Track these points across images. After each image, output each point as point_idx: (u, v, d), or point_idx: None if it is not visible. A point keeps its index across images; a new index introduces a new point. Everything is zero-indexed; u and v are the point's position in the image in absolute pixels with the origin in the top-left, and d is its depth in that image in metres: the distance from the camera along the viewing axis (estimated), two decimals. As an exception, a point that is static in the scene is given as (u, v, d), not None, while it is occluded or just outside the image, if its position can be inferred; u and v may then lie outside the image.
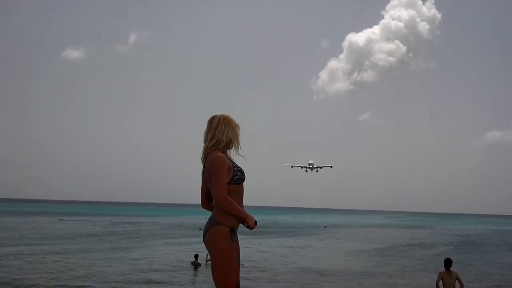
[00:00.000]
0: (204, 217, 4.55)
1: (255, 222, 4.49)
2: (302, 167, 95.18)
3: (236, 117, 4.76)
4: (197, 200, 4.75)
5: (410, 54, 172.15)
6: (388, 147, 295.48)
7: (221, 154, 4.55)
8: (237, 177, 4.53)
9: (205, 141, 4.66)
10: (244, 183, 4.64)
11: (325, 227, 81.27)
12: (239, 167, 4.61)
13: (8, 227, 55.55)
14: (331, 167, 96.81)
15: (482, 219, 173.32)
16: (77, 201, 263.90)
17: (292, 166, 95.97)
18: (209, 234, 4.48)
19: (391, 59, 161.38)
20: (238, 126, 4.72)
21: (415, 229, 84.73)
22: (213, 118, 4.71)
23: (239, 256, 4.59)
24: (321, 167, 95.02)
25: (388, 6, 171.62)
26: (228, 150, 4.68)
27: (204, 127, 4.73)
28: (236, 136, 4.66)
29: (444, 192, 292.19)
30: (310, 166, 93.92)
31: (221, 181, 4.42)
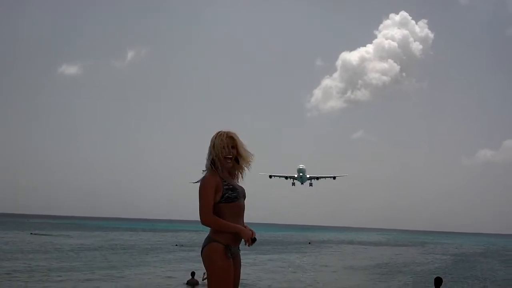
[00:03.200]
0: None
1: (252, 237, 4.45)
2: (287, 178, 73.29)
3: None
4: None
5: (404, 74, 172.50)
6: (381, 164, 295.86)
7: (208, 175, 4.57)
8: (227, 195, 4.54)
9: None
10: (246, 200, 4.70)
11: (309, 243, 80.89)
12: (231, 185, 4.61)
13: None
14: (334, 178, 75.69)
15: (474, 237, 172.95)
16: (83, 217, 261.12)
17: (270, 176, 72.48)
18: (205, 251, 4.53)
19: (385, 78, 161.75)
20: (225, 142, 4.63)
21: (407, 246, 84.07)
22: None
23: (238, 274, 4.57)
24: (318, 178, 74.00)
25: (381, 26, 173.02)
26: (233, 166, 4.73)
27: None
28: (219, 156, 4.60)
29: (436, 210, 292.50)
30: (301, 174, 71.98)
31: (204, 202, 4.50)
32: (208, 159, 4.61)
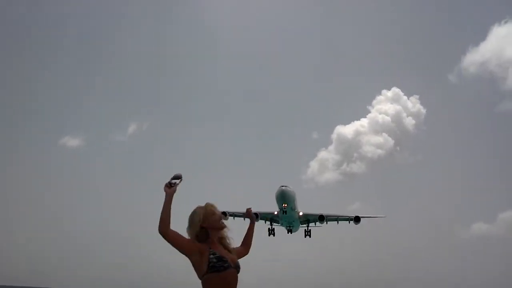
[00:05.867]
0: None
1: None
2: (262, 218, 46.82)
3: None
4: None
5: (398, 148, 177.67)
6: (376, 237, 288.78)
7: (194, 242, 5.81)
8: (212, 264, 5.41)
9: None
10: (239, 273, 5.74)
11: None
12: (217, 254, 5.53)
13: None
14: (356, 220, 48.48)
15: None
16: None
17: (225, 214, 43.41)
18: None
19: (380, 151, 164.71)
20: (217, 215, 5.98)
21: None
22: None
23: None
24: (324, 220, 46.10)
25: (374, 101, 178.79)
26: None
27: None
28: (214, 226, 5.87)
29: (430, 285, 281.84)
30: (284, 206, 44.04)
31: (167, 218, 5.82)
32: (191, 231, 5.76)
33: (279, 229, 48.64)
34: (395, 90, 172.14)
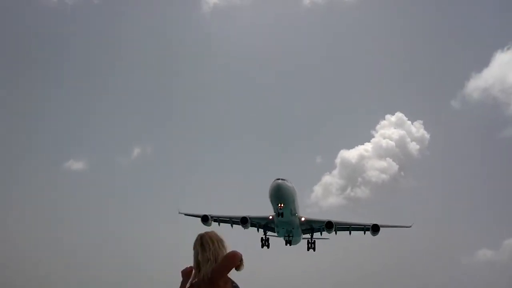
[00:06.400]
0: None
1: None
2: (256, 226, 36.05)
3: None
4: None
5: (402, 173, 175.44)
6: (380, 262, 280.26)
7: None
8: None
9: None
10: None
11: None
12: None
13: None
14: (374, 230, 40.57)
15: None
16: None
17: (205, 218, 38.06)
18: None
19: (384, 176, 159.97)
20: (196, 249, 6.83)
21: None
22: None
23: None
24: (333, 231, 36.50)
25: (378, 126, 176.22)
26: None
27: None
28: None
29: None
30: (281, 206, 33.95)
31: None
32: (208, 266, 6.47)
33: (275, 239, 36.70)
34: (399, 115, 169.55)
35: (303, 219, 36.18)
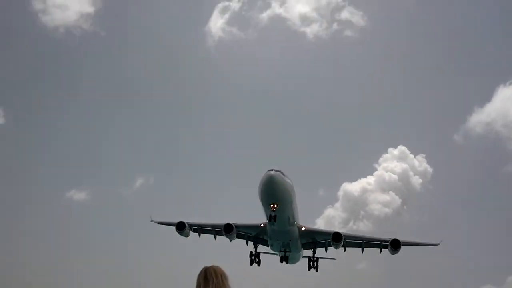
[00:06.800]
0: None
1: None
2: (245, 235, 28.97)
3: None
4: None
5: (405, 207, 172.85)
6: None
7: None
8: None
9: None
10: None
11: None
12: None
13: None
14: (395, 246, 35.83)
15: None
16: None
17: (181, 225, 30.85)
18: None
19: (387, 209, 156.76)
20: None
21: None
22: None
23: None
24: (341, 245, 30.49)
25: (381, 159, 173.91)
26: None
27: None
28: None
29: None
30: (274, 207, 25.16)
31: None
32: None
33: (269, 256, 27.63)
34: (402, 148, 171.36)
35: (303, 229, 28.00)
